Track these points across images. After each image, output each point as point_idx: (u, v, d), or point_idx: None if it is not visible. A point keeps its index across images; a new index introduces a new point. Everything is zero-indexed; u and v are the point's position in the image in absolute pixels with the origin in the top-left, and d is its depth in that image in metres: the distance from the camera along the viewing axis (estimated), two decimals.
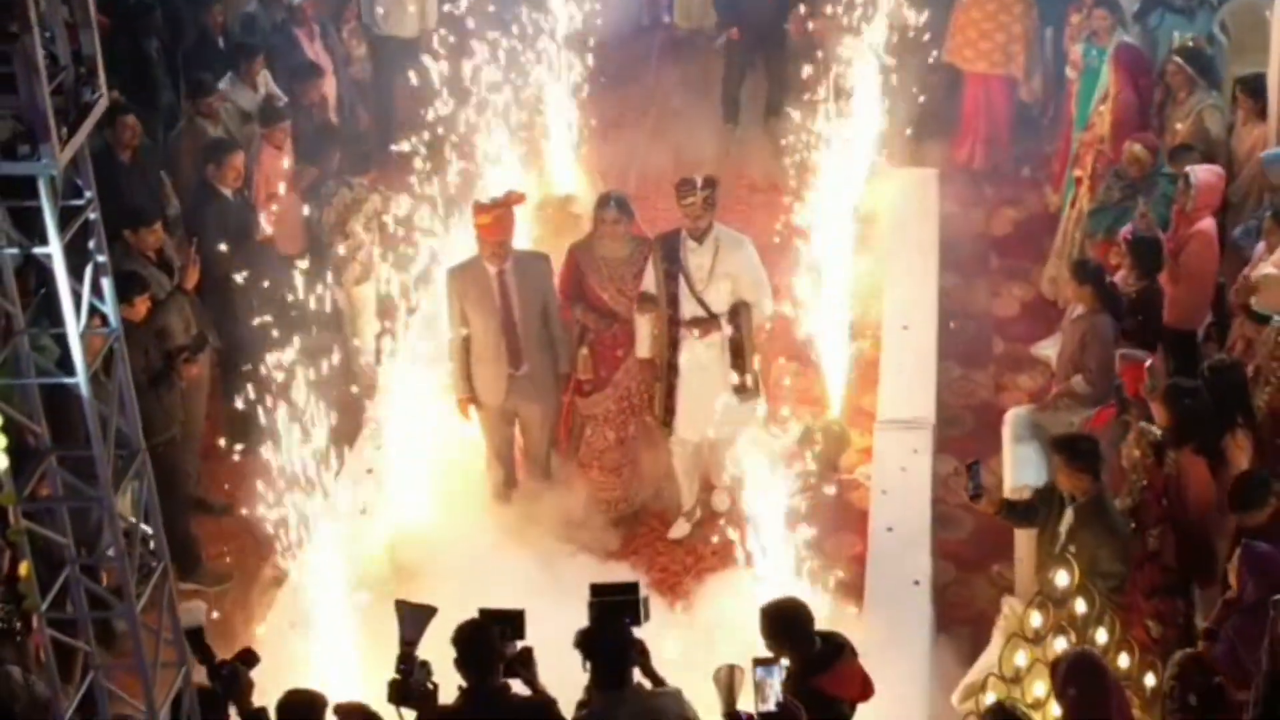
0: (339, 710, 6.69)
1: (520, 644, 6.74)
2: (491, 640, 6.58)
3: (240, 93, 11.75)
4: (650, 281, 9.38)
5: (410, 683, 6.59)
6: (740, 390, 9.33)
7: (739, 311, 9.30)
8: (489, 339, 9.28)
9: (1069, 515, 7.68)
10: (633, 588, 6.80)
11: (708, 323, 9.29)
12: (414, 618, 6.67)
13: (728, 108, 14.04)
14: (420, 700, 6.61)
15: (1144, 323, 9.37)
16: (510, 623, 6.72)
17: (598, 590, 6.81)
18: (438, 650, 6.67)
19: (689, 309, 9.32)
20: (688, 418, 9.46)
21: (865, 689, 6.81)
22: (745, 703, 6.45)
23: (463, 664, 6.56)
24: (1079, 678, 6.19)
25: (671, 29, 15.68)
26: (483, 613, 6.77)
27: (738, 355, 9.33)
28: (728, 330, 9.29)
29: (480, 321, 9.27)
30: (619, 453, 9.71)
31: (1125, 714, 6.30)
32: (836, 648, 6.80)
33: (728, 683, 6.60)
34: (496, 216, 9.13)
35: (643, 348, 9.48)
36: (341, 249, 10.56)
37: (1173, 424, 7.85)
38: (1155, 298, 9.56)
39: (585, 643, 6.67)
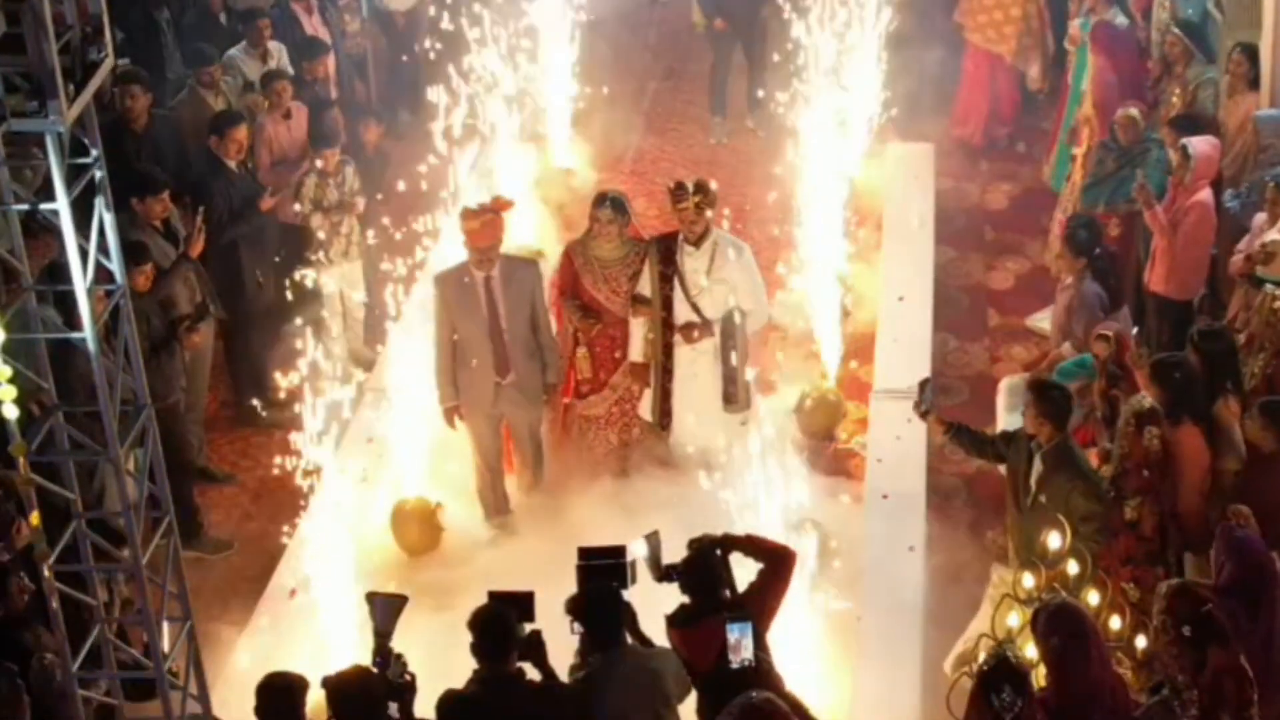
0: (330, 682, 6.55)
1: (530, 627, 6.67)
2: (509, 624, 6.53)
3: (249, 64, 11.82)
4: (646, 283, 9.28)
5: (387, 675, 6.54)
6: (729, 401, 9.26)
7: (733, 319, 9.21)
8: (476, 346, 9.08)
9: (1037, 464, 7.79)
10: (620, 551, 6.86)
11: (699, 328, 9.21)
12: (385, 608, 6.62)
13: (715, 99, 13.92)
14: (398, 692, 6.55)
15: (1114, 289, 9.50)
16: (519, 605, 6.67)
17: (586, 554, 6.87)
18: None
19: (683, 314, 9.24)
20: (683, 424, 9.39)
21: (717, 663, 6.66)
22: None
23: (479, 648, 6.50)
24: (1061, 627, 6.23)
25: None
26: (492, 595, 6.76)
27: (729, 363, 9.23)
28: (719, 337, 9.19)
29: (467, 328, 9.07)
30: (621, 455, 9.62)
31: (1105, 662, 6.35)
32: (712, 610, 6.77)
33: (649, 551, 6.89)
34: (485, 222, 8.91)
35: (636, 351, 9.40)
36: (321, 229, 10.62)
37: (1165, 399, 7.92)
38: (1122, 265, 9.66)
39: (576, 607, 6.74)
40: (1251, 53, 10.59)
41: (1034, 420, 7.80)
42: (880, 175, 12.50)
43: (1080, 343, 9.22)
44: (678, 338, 9.26)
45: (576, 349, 9.50)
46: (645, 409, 9.51)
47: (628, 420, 9.61)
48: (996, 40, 13.04)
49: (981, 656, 7.07)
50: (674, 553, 7.01)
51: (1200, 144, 9.84)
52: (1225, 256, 9.77)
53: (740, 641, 6.36)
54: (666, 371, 9.35)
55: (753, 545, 7.03)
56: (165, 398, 9.09)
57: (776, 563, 6.98)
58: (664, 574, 6.96)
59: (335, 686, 6.40)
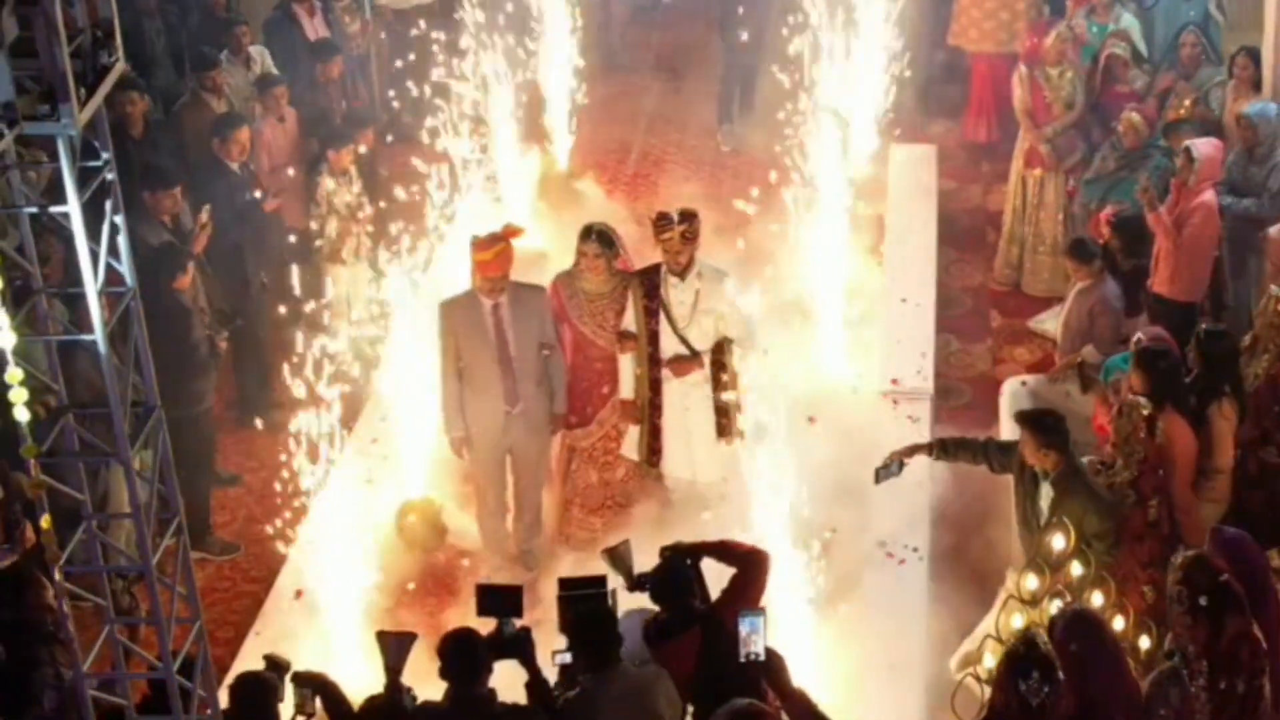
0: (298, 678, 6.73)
1: (518, 623, 6.63)
2: (476, 650, 6.47)
3: (234, 70, 11.83)
4: (630, 319, 9.11)
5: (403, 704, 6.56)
6: (722, 433, 9.12)
7: (722, 349, 9.05)
8: (484, 375, 8.95)
9: (1046, 490, 7.70)
10: (600, 581, 6.81)
11: (687, 362, 9.04)
12: (396, 646, 6.62)
13: (723, 107, 13.87)
14: None
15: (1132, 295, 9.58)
16: (508, 600, 6.64)
17: (566, 584, 6.81)
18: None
19: (670, 347, 9.05)
20: (675, 458, 9.22)
21: (696, 671, 6.73)
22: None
23: (447, 674, 6.47)
24: (1079, 633, 6.24)
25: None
26: (480, 588, 6.75)
27: (720, 394, 9.05)
28: (708, 369, 9.05)
29: (474, 357, 8.95)
30: (601, 494, 9.44)
31: (1122, 666, 6.38)
32: (684, 621, 6.77)
33: (617, 560, 6.89)
34: (498, 252, 8.77)
35: (627, 388, 9.20)
36: (330, 228, 10.63)
37: (1148, 386, 7.97)
38: (1142, 273, 9.75)
39: (570, 627, 6.69)
40: (1256, 56, 10.63)
41: (1036, 453, 7.66)
42: (883, 177, 12.53)
43: (1105, 345, 9.24)
44: (667, 372, 9.09)
45: None
46: (629, 448, 9.33)
47: (610, 459, 9.41)
48: (1008, 40, 13.04)
49: (986, 657, 7.15)
50: None
51: (1204, 145, 9.88)
52: (1229, 258, 9.83)
53: (751, 635, 6.35)
54: (655, 407, 9.17)
55: (724, 551, 6.99)
56: (201, 403, 9.18)
57: (749, 567, 6.93)
58: (636, 583, 6.92)
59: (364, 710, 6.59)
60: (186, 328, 9.14)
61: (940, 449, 8.28)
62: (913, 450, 8.30)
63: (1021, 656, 5.89)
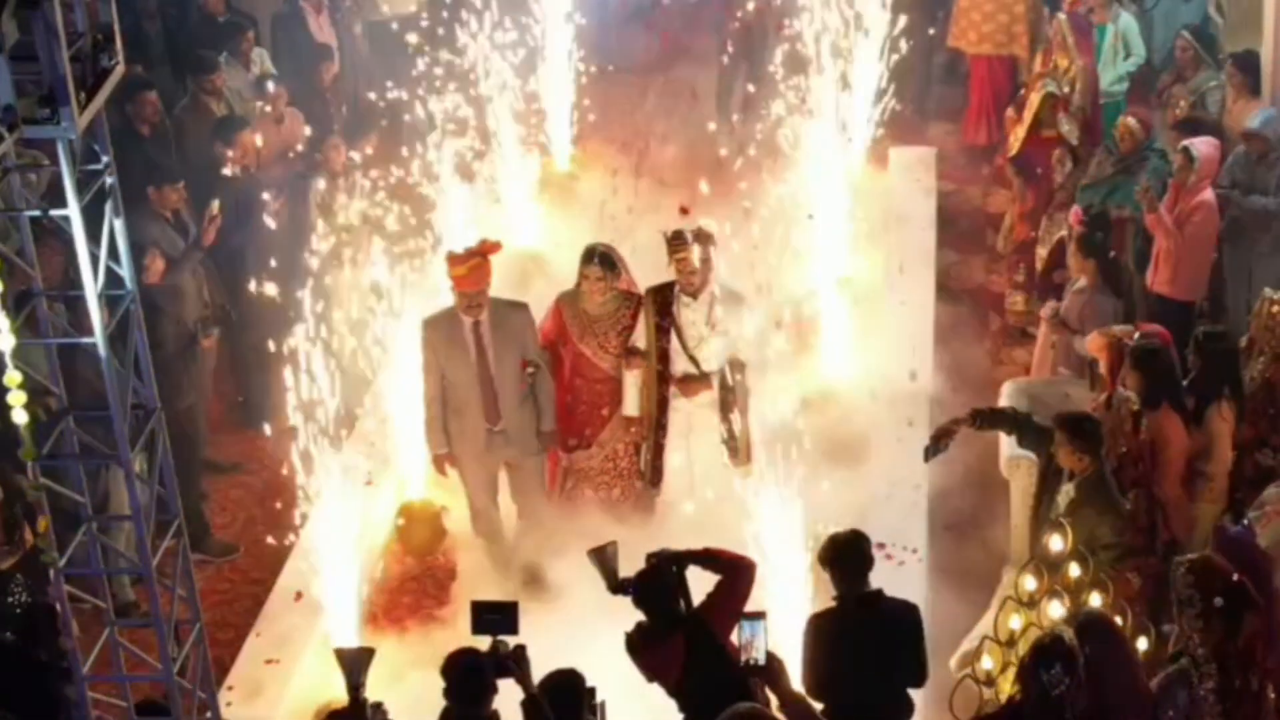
0: None
1: (513, 641, 6.52)
2: (481, 672, 6.42)
3: (234, 72, 11.83)
4: (641, 335, 9.05)
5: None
6: (732, 455, 9.03)
7: (732, 370, 8.96)
8: (465, 393, 8.89)
9: (1069, 489, 7.72)
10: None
11: (696, 382, 9.00)
12: (354, 661, 6.53)
13: (722, 107, 13.80)
14: None
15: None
16: (503, 616, 6.54)
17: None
18: None
19: (680, 366, 9.01)
20: (676, 480, 9.18)
21: (684, 676, 6.76)
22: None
23: (452, 695, 6.42)
24: (1093, 635, 6.25)
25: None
26: (475, 605, 6.65)
27: (728, 417, 9.00)
28: (718, 391, 8.97)
29: (456, 375, 8.87)
30: (598, 512, 9.32)
31: (1136, 667, 6.40)
32: (668, 627, 6.77)
33: (602, 561, 6.85)
34: (472, 267, 8.65)
35: (630, 405, 9.15)
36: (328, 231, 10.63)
37: (1143, 385, 7.97)
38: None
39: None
40: (1243, 63, 10.68)
41: (1071, 456, 7.67)
42: (883, 179, 12.53)
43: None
44: (674, 391, 9.05)
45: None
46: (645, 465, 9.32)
47: (609, 480, 9.37)
48: (1007, 43, 13.07)
49: (985, 658, 7.17)
50: None
51: (1203, 145, 9.92)
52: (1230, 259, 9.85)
53: (752, 641, 6.35)
54: (660, 426, 9.12)
55: (710, 557, 6.97)
56: (180, 401, 9.17)
57: (734, 574, 6.92)
58: (618, 586, 6.89)
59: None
60: (153, 324, 9.08)
61: (981, 419, 8.23)
62: (956, 424, 8.25)
63: (1047, 648, 6.04)
